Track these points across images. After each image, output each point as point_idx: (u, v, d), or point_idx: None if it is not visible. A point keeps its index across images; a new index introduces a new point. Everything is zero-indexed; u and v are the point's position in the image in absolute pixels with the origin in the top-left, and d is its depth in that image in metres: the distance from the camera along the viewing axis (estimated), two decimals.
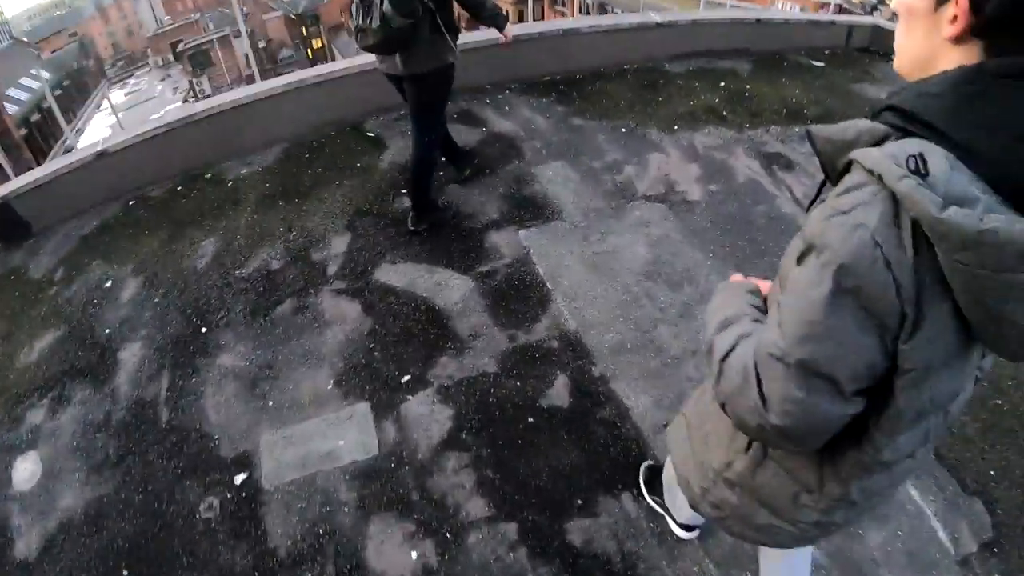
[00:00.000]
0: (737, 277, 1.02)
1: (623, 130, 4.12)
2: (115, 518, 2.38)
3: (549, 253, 3.08)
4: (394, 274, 3.00)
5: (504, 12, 3.06)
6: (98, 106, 35.94)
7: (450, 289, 2.89)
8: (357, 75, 4.15)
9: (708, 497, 1.04)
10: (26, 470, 2.66)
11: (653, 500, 1.99)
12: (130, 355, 2.89)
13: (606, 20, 5.13)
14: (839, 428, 0.72)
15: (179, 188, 4.00)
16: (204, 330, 2.87)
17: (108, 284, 3.30)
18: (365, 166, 3.89)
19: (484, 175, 3.67)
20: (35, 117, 28.25)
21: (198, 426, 2.56)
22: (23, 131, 24.96)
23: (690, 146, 4.01)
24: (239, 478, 2.40)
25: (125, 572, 2.27)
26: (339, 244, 3.25)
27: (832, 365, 0.66)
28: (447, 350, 2.63)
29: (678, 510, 1.76)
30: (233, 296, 3.03)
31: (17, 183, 3.81)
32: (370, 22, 2.38)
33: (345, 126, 4.32)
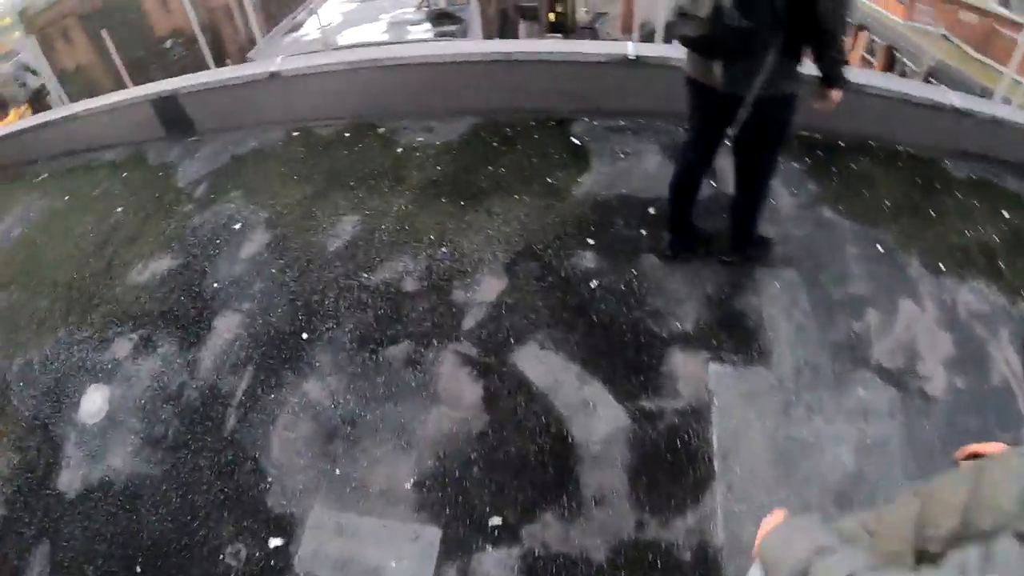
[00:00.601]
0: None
1: (879, 247, 3.02)
2: (149, 509, 2.20)
3: (735, 413, 2.25)
4: (538, 364, 2.35)
5: (847, 61, 2.12)
6: None
7: (596, 418, 2.19)
8: (580, 65, 3.38)
9: None
10: (95, 403, 2.53)
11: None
12: (225, 327, 2.59)
13: (897, 84, 3.82)
14: None
15: (346, 135, 3.61)
16: (305, 336, 2.46)
17: (237, 226, 3.03)
18: (556, 186, 3.14)
19: (697, 255, 2.77)
20: None
21: (257, 455, 2.21)
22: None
23: (951, 304, 2.84)
24: (274, 542, 2.03)
25: (139, 569, 2.07)
26: (489, 289, 2.59)
27: None
28: (559, 506, 1.99)
29: None
30: (349, 308, 2.57)
31: (188, 80, 3.64)
32: (698, 8, 1.82)
33: (549, 120, 3.58)
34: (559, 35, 16.24)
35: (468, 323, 2.44)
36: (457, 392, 2.26)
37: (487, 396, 2.24)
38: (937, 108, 3.64)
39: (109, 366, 2.62)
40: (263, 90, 3.57)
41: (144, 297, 2.82)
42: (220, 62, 3.92)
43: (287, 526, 2.05)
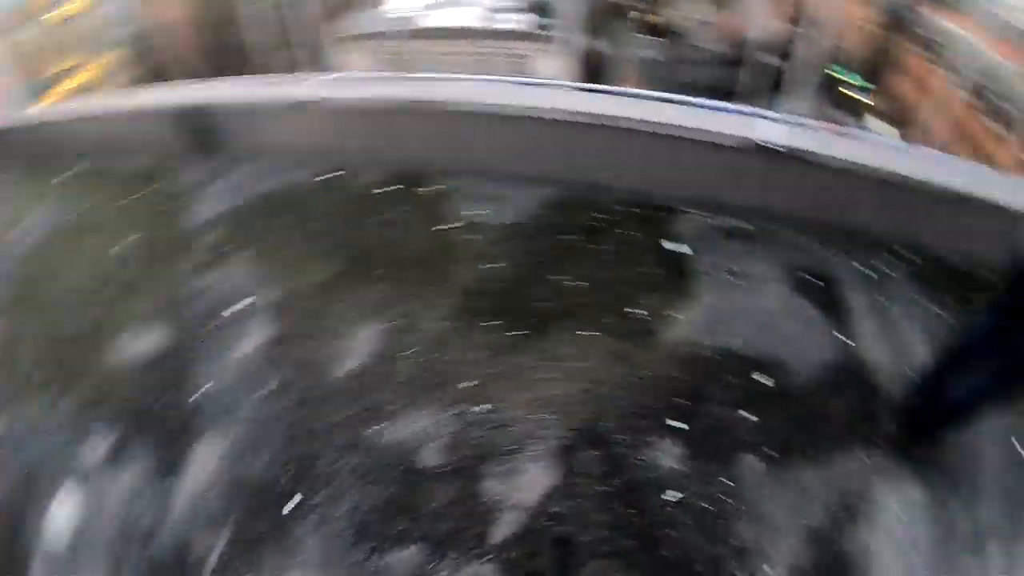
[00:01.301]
0: None
1: (1018, 445, 2.21)
2: None
3: None
4: None
5: None
6: None
7: None
8: (696, 144, 2.59)
9: None
10: (64, 512, 2.13)
11: None
12: (205, 458, 2.09)
13: None
14: None
15: (382, 191, 3.00)
16: (288, 508, 1.95)
17: (241, 305, 2.51)
18: (642, 320, 2.34)
19: None
20: None
21: None
22: None
23: None
24: None
25: None
26: (533, 485, 1.89)
27: None
28: None
29: None
30: (351, 476, 1.97)
31: (226, 92, 3.08)
32: None
33: (647, 209, 2.82)
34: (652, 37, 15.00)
35: (498, 534, 1.81)
36: None
37: None
38: None
39: (83, 466, 2.21)
40: (298, 118, 2.98)
41: (127, 382, 2.38)
42: None
43: None
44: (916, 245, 2.78)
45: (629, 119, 2.59)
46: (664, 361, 2.22)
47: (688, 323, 2.35)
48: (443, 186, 2.98)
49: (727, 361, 2.24)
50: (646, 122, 2.56)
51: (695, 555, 1.81)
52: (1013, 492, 2.15)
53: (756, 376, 2.21)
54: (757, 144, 2.48)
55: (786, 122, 2.56)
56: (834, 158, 2.44)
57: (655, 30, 15.35)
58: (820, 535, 1.91)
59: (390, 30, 15.62)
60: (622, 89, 2.78)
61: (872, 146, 2.60)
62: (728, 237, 2.70)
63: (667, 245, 2.64)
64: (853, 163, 2.46)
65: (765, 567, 1.81)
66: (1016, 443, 2.25)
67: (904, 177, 2.46)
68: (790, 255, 2.64)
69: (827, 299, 2.51)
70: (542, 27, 17.84)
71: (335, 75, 3.09)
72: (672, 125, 2.53)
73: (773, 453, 2.04)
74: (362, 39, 16.73)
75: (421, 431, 2.04)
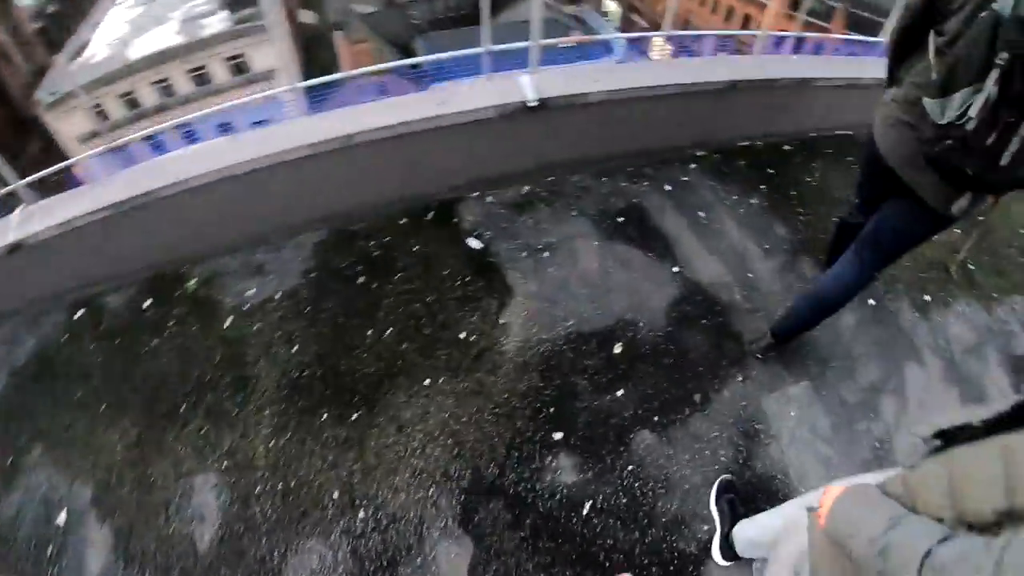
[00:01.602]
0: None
1: (871, 301, 2.56)
2: None
3: None
4: None
5: None
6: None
7: None
8: (450, 130, 2.33)
9: None
10: None
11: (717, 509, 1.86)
12: None
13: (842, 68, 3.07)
14: None
15: (147, 304, 2.38)
16: None
17: (62, 519, 1.89)
18: (476, 343, 2.17)
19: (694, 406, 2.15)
20: (52, 8, 21.11)
21: None
22: (38, 25, 19.08)
23: (946, 346, 2.54)
24: None
25: None
26: (454, 567, 1.74)
27: None
28: None
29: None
30: None
31: None
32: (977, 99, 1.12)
33: (423, 213, 2.59)
34: None
35: None
36: None
37: None
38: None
39: None
40: (11, 263, 2.19)
41: None
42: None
43: None
44: (700, 142, 2.90)
45: (367, 131, 2.23)
46: (517, 374, 2.10)
47: (522, 324, 2.23)
48: (210, 269, 2.45)
49: (578, 345, 2.19)
50: (385, 127, 2.23)
51: (638, 550, 1.82)
52: (880, 340, 2.48)
53: (614, 349, 2.20)
54: (525, 104, 2.29)
55: (536, 72, 2.38)
56: (592, 93, 2.35)
57: None
58: (737, 471, 2.02)
59: (98, 78, 13.01)
60: (355, 101, 2.38)
61: (615, 72, 2.55)
62: (516, 210, 2.57)
63: (470, 243, 2.44)
64: (610, 91, 2.39)
65: (704, 526, 1.88)
66: (872, 301, 2.55)
67: (662, 87, 2.46)
68: (582, 202, 2.60)
69: (640, 233, 2.54)
70: (245, 19, 16.66)
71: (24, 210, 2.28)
72: (425, 119, 2.23)
73: (659, 418, 2.08)
74: (72, 98, 13.88)
75: (319, 566, 1.74)
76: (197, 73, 16.36)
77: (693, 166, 2.82)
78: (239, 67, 16.64)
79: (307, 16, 19.48)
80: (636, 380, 2.16)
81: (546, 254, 2.41)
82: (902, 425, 2.30)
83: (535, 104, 2.27)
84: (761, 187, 2.80)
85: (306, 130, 2.16)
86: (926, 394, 2.40)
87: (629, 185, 2.68)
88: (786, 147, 3.03)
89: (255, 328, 2.26)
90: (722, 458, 2.07)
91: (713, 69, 2.59)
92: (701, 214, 2.62)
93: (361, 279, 2.37)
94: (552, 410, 2.03)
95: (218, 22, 16.01)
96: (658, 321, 2.30)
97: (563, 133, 2.49)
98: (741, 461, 2.08)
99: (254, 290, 2.41)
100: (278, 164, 2.18)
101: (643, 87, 2.42)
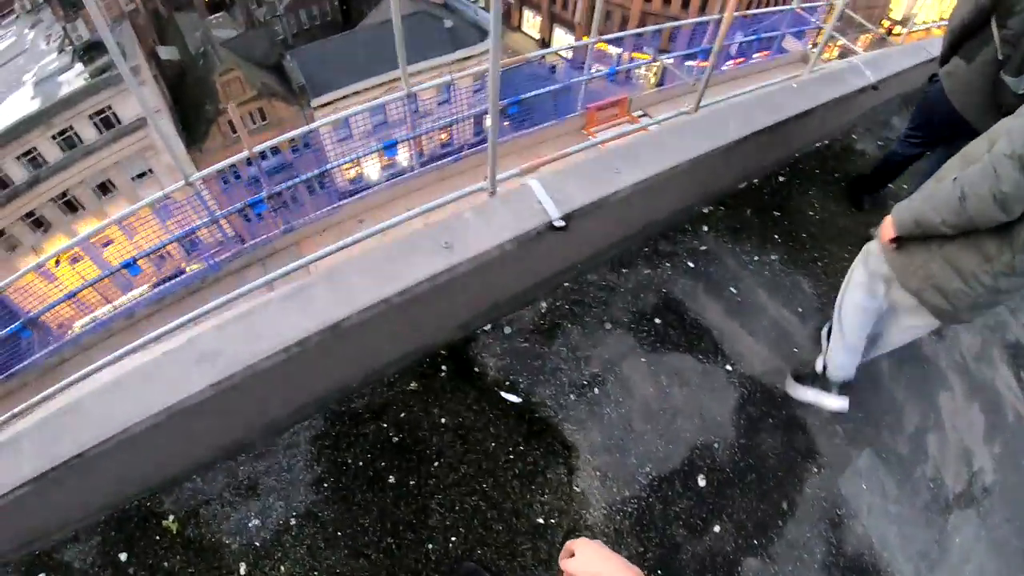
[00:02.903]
0: None
1: None
2: None
3: None
4: None
5: None
6: None
7: None
8: (459, 278, 1.87)
9: (925, 280, 1.60)
10: None
11: (805, 389, 2.12)
12: None
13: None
14: None
15: (123, 559, 1.77)
16: None
17: None
18: (555, 516, 1.87)
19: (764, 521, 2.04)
20: None
21: None
22: None
23: (962, 362, 2.70)
24: None
25: None
26: None
27: None
28: None
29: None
30: None
31: None
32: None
33: (429, 365, 2.12)
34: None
35: None
36: None
37: None
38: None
39: None
40: None
41: None
42: None
43: None
44: (704, 198, 2.65)
45: (359, 312, 1.72)
46: (616, 548, 1.88)
47: (598, 485, 1.97)
48: (179, 510, 1.89)
49: (663, 491, 1.98)
50: (380, 301, 1.74)
51: None
52: (914, 378, 2.49)
53: (699, 482, 2.02)
54: (551, 225, 1.89)
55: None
56: (618, 191, 1.99)
57: (217, 6, 12.62)
58: (832, 563, 2.00)
59: None
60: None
61: (638, 154, 2.17)
62: (545, 338, 2.22)
63: (506, 397, 2.08)
64: (635, 184, 2.04)
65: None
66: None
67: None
68: (614, 311, 2.31)
69: (683, 333, 2.31)
70: (102, 68, 14.95)
71: None
72: (429, 277, 1.76)
73: (758, 541, 1.98)
74: None
75: None
76: (63, 136, 14.71)
77: (705, 228, 2.58)
78: (106, 121, 15.09)
79: (167, 52, 18.23)
80: (728, 509, 2.03)
81: (595, 390, 2.12)
82: (946, 458, 2.43)
83: (561, 224, 1.88)
84: (775, 237, 2.65)
85: (278, 333, 1.60)
86: (956, 418, 2.53)
87: (652, 272, 2.40)
88: (780, 177, 2.88)
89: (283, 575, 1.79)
90: (818, 555, 2.05)
91: (728, 124, 2.30)
92: (733, 290, 2.43)
93: (391, 477, 1.94)
94: (660, 573, 1.85)
95: (75, 77, 14.34)
96: (729, 435, 2.15)
97: (579, 236, 2.12)
98: (834, 552, 2.08)
99: (257, 520, 1.90)
100: (244, 377, 1.62)
101: (667, 168, 2.10)
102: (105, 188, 15.88)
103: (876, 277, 1.82)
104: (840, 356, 2.01)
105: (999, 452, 2.52)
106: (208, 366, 1.59)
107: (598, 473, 2.00)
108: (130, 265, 3.60)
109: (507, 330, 2.21)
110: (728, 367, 2.26)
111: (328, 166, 3.99)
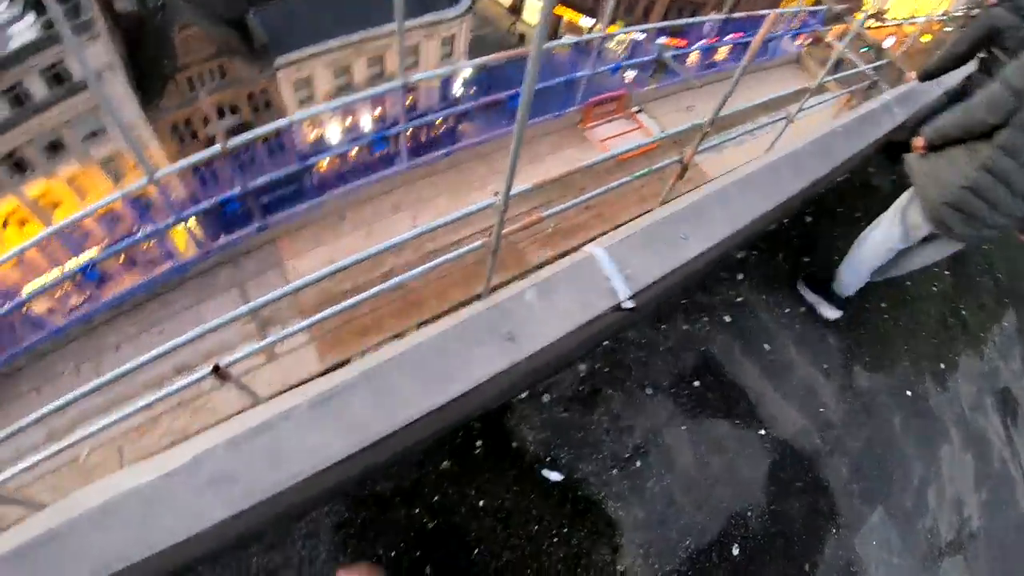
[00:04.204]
0: None
1: (908, 393, 2.64)
2: None
3: None
4: None
5: None
6: None
7: None
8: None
9: (935, 187, 2.01)
10: None
11: (811, 292, 2.54)
12: None
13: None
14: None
15: None
16: None
17: None
18: None
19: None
20: None
21: None
22: None
23: (961, 412, 2.83)
24: None
25: None
26: None
27: None
28: None
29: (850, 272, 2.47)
30: None
31: None
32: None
33: (462, 440, 1.93)
34: None
35: None
36: None
37: None
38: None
39: None
40: None
41: None
42: None
43: None
44: (740, 243, 2.54)
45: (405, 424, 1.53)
46: None
47: (641, 563, 1.92)
48: None
49: (701, 563, 1.96)
50: (431, 411, 1.55)
51: None
52: (920, 432, 2.58)
53: (733, 552, 2.02)
54: (619, 307, 1.74)
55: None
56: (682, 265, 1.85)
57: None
58: None
59: None
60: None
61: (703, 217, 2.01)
62: (585, 407, 2.10)
63: (547, 475, 1.96)
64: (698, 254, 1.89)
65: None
66: (909, 392, 2.57)
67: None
68: (654, 373, 2.20)
69: (721, 396, 2.25)
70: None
71: None
72: (491, 377, 1.57)
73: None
74: None
75: None
76: (13, 93, 13.12)
77: (740, 276, 2.49)
78: (57, 77, 13.52)
79: (125, 3, 16.26)
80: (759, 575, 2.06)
81: (638, 463, 2.04)
82: (942, 508, 2.57)
83: (631, 306, 1.72)
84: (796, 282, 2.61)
85: (306, 454, 1.38)
86: (953, 469, 2.67)
87: (690, 328, 2.30)
88: (807, 218, 2.82)
89: None
90: None
91: (781, 173, 2.17)
92: (767, 347, 2.38)
93: (428, 568, 1.81)
94: None
95: (26, 29, 12.68)
96: (761, 502, 2.15)
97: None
98: None
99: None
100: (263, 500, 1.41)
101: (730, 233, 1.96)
102: (55, 147, 14.38)
103: (899, 222, 2.23)
104: (848, 277, 2.43)
105: (985, 499, 2.70)
106: (222, 492, 1.36)
107: (641, 551, 1.95)
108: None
109: (545, 398, 2.06)
110: (762, 431, 2.24)
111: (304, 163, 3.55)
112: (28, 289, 3.20)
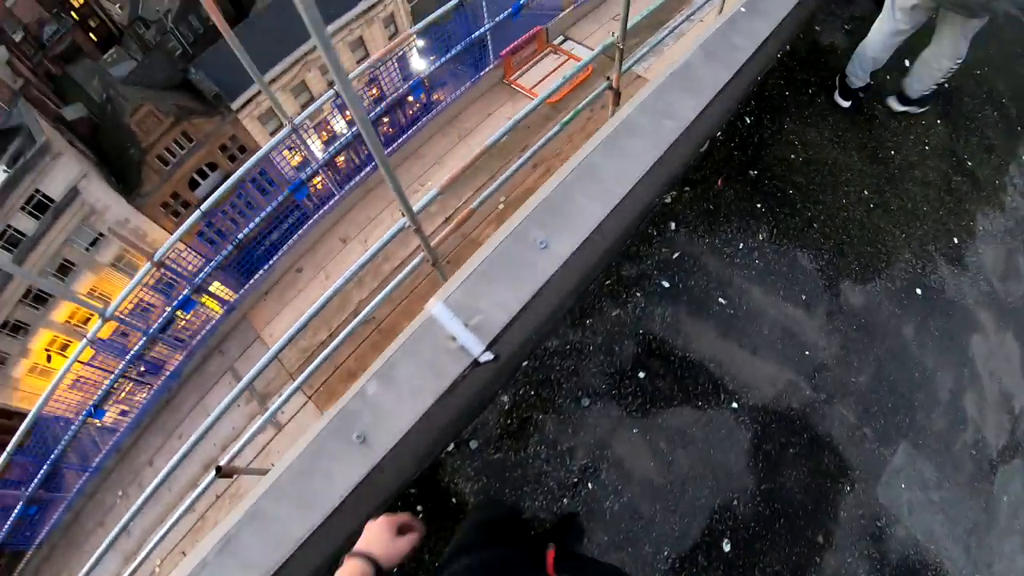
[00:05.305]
0: None
1: (918, 291, 2.18)
2: None
3: None
4: None
5: None
6: None
7: None
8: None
9: None
10: None
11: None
12: None
13: None
14: None
15: None
16: None
17: None
18: None
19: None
20: None
21: None
22: None
23: (987, 287, 2.34)
24: None
25: None
26: None
27: None
28: None
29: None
30: None
31: None
32: None
33: (393, 499, 1.80)
34: None
35: None
36: None
37: None
38: None
39: None
40: None
41: None
42: None
43: None
44: (667, 186, 2.11)
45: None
46: None
47: None
48: None
49: (688, 570, 1.75)
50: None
51: None
52: (941, 331, 2.18)
53: (723, 548, 1.78)
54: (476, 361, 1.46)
55: None
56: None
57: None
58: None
59: None
60: None
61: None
62: (517, 442, 1.84)
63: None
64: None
65: None
66: (919, 290, 2.15)
67: None
68: (587, 379, 1.90)
69: (673, 379, 1.92)
70: (16, 156, 14.11)
71: None
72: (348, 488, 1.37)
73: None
74: None
75: None
76: (3, 238, 14.40)
77: (672, 226, 2.08)
78: (39, 206, 14.45)
79: (73, 111, 17.11)
80: (760, 565, 1.82)
81: (589, 485, 1.80)
82: (985, 413, 2.17)
83: (491, 358, 1.42)
84: (758, 207, 2.15)
85: None
86: (991, 362, 2.24)
87: (621, 313, 1.96)
88: (747, 119, 2.29)
89: None
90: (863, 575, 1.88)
91: (690, 87, 1.72)
92: (721, 300, 2.00)
93: None
94: None
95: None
96: (748, 486, 1.87)
97: (521, 328, 1.66)
98: (879, 566, 1.91)
99: None
100: None
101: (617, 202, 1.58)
102: (64, 269, 15.47)
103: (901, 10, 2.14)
104: (853, 68, 2.37)
105: None
106: None
107: None
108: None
109: (473, 444, 1.84)
110: (733, 405, 1.91)
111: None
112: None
